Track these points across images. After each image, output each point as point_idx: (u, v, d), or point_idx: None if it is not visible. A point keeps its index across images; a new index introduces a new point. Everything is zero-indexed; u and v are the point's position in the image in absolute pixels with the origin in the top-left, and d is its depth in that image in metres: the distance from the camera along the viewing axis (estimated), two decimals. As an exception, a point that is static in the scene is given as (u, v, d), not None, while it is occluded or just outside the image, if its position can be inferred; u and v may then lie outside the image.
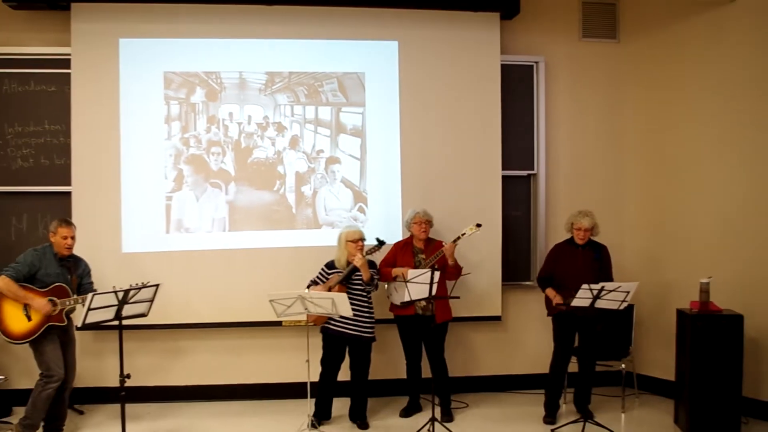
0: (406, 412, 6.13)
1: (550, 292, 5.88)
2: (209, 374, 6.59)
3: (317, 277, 5.85)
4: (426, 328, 5.93)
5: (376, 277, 5.76)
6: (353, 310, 5.57)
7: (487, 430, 5.84)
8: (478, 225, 5.84)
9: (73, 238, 5.38)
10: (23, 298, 5.17)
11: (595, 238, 5.92)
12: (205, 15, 6.35)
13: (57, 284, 5.30)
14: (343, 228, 5.92)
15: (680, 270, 6.44)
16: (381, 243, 5.75)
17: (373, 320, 5.81)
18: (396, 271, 5.87)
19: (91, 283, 5.56)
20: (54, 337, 5.31)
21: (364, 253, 5.66)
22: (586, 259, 5.83)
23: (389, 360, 6.44)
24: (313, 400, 5.69)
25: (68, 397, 5.56)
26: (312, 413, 5.72)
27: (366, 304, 5.76)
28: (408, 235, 6.14)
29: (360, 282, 5.70)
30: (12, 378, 6.27)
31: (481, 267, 6.43)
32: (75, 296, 5.36)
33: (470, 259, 6.21)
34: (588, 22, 6.89)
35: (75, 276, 5.45)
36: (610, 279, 5.74)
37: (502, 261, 6.65)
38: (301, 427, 5.70)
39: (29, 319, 5.19)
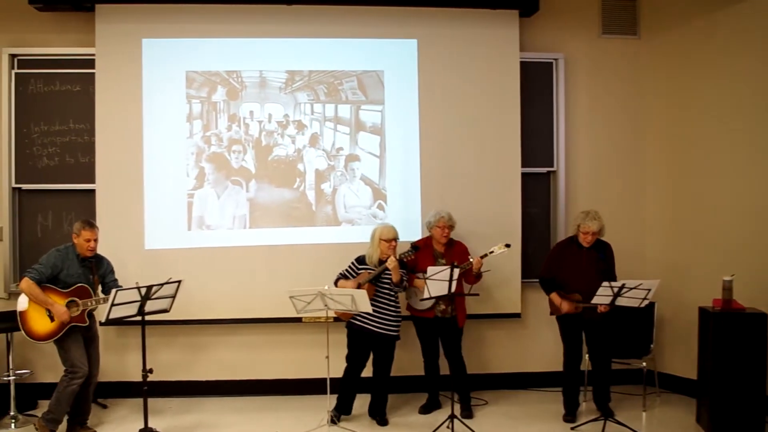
0: (426, 409, 6.14)
1: (555, 297, 5.81)
2: (230, 370, 6.65)
3: (346, 270, 5.85)
4: (445, 328, 5.95)
5: (405, 279, 5.73)
6: (380, 308, 5.64)
7: (506, 428, 5.83)
8: (507, 245, 5.77)
9: (96, 240, 5.41)
10: (44, 303, 5.21)
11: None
12: (227, 15, 6.42)
13: (79, 285, 5.34)
14: (378, 225, 5.93)
15: (702, 267, 6.37)
16: (416, 248, 5.71)
17: (399, 319, 5.81)
18: (418, 282, 5.82)
19: (116, 280, 5.60)
20: (77, 335, 5.37)
21: (398, 256, 5.62)
22: (591, 259, 5.75)
23: (409, 357, 6.43)
24: (334, 396, 5.70)
25: (93, 392, 5.62)
26: (333, 407, 5.77)
27: (393, 303, 5.75)
28: (427, 234, 6.12)
29: (389, 281, 5.69)
30: (37, 372, 6.39)
31: (500, 264, 6.38)
32: (95, 297, 5.41)
33: (489, 256, 6.19)
34: (608, 19, 6.85)
35: (97, 276, 5.49)
36: (613, 278, 5.63)
37: (522, 258, 6.63)
38: (321, 422, 5.73)
39: (52, 319, 5.24)
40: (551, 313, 5.96)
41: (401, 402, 6.33)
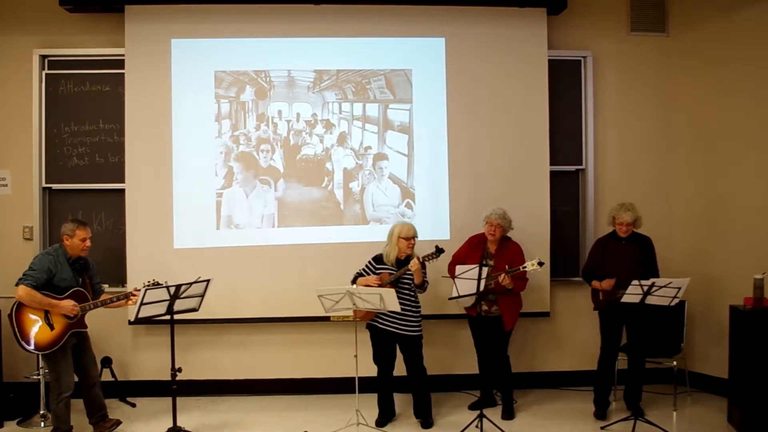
0: (477, 406, 5.97)
1: (596, 283, 5.80)
2: (258, 369, 6.66)
3: (363, 269, 5.79)
4: (491, 328, 5.93)
5: (426, 280, 5.66)
6: (402, 309, 5.54)
7: (536, 427, 5.79)
8: (541, 263, 5.58)
9: (90, 239, 5.33)
10: (48, 305, 5.06)
11: (642, 231, 5.81)
12: (254, 15, 6.45)
13: (75, 289, 5.24)
14: (396, 223, 5.82)
15: (733, 265, 6.32)
16: (440, 251, 5.57)
17: (419, 318, 5.71)
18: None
19: (100, 282, 5.57)
20: (68, 347, 5.25)
21: (421, 258, 5.50)
22: (630, 252, 5.74)
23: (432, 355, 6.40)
24: (362, 395, 5.61)
25: (100, 389, 5.52)
26: (379, 413, 5.83)
27: (413, 303, 5.66)
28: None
29: (409, 282, 5.60)
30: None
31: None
32: (95, 300, 5.33)
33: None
34: (636, 16, 6.81)
35: (87, 277, 5.41)
36: (655, 271, 5.67)
37: (551, 257, 6.58)
38: (349, 421, 5.70)
39: (52, 328, 5.11)
40: (595, 308, 5.93)
41: (446, 399, 6.35)
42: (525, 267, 5.62)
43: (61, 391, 5.20)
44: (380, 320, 5.66)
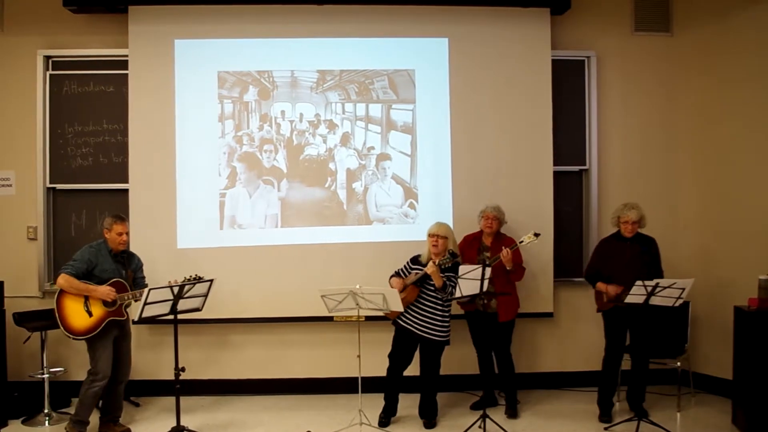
0: (478, 406, 6.01)
1: (601, 285, 5.75)
2: (261, 368, 6.67)
3: (400, 270, 5.81)
4: (489, 323, 5.93)
5: (449, 284, 5.53)
6: (425, 311, 5.59)
7: (539, 427, 5.78)
8: (537, 234, 5.72)
9: (127, 233, 5.45)
10: (86, 290, 5.22)
11: (646, 231, 5.78)
12: (258, 15, 6.46)
13: (115, 279, 5.35)
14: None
15: (737, 266, 6.30)
16: (453, 255, 5.59)
17: (447, 323, 5.67)
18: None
19: (143, 277, 5.64)
20: (109, 337, 5.37)
21: (437, 262, 5.50)
22: (634, 252, 5.70)
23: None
24: (365, 395, 5.63)
25: (123, 390, 5.63)
26: (381, 410, 5.82)
27: (439, 307, 5.62)
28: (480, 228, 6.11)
29: (434, 285, 5.57)
30: (71, 370, 6.44)
31: (533, 263, 6.35)
32: (133, 291, 5.40)
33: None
34: (640, 16, 6.80)
35: (130, 270, 5.51)
36: (659, 272, 5.64)
37: (554, 257, 6.58)
38: (353, 421, 5.71)
39: (90, 314, 5.24)
40: (598, 310, 5.91)
41: (448, 399, 6.34)
42: (522, 240, 5.74)
43: (97, 377, 5.32)
44: (403, 318, 5.67)
